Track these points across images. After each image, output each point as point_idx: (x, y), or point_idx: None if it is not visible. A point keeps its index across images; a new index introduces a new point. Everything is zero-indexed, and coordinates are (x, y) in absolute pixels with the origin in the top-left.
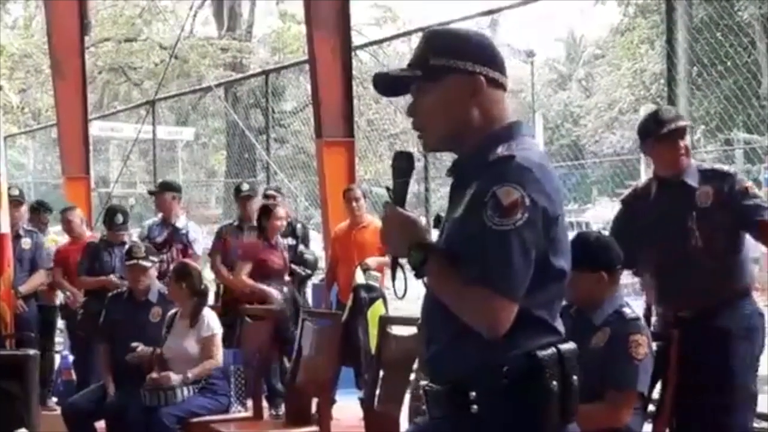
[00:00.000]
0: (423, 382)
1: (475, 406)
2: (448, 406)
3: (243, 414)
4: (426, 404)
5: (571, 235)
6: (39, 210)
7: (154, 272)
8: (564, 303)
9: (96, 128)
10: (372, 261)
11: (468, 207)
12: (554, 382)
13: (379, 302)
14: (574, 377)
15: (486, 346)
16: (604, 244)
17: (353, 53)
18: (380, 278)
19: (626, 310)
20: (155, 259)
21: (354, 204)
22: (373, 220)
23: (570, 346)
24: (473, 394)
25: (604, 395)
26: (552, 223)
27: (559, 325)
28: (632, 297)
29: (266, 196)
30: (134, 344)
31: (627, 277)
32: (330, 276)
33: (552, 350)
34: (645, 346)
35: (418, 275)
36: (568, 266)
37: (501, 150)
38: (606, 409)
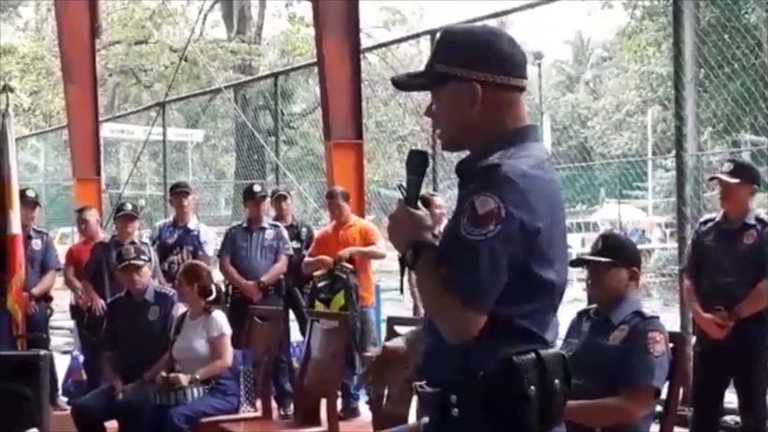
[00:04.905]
0: (416, 383)
1: (455, 410)
2: (434, 408)
3: (252, 414)
4: (420, 405)
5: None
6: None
7: (147, 271)
8: (585, 307)
9: (107, 130)
10: (345, 251)
11: (455, 212)
12: (532, 387)
13: (340, 294)
14: (556, 381)
15: (466, 351)
16: (633, 243)
17: (362, 55)
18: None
19: (645, 310)
20: (146, 258)
21: (341, 203)
22: (359, 220)
23: (552, 350)
24: (454, 397)
25: (619, 390)
26: (533, 235)
27: (549, 334)
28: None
29: (277, 197)
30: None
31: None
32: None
33: (530, 355)
34: (662, 344)
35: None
36: (561, 277)
37: (494, 157)
38: (619, 403)
